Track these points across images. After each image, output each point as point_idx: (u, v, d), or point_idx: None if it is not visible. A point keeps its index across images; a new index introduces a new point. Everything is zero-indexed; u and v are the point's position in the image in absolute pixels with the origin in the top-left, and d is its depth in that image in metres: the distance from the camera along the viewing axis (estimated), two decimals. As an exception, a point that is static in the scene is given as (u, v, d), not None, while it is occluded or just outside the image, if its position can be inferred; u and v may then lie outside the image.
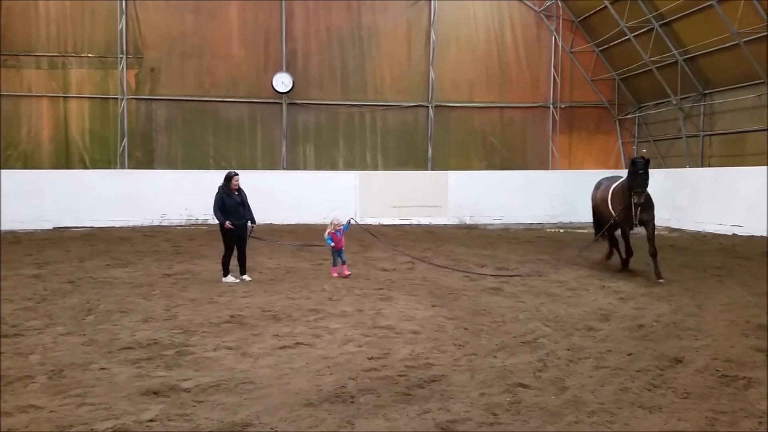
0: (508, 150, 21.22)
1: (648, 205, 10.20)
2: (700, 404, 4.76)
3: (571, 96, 21.49)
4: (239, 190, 10.10)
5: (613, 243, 11.47)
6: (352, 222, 10.83)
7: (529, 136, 21.46)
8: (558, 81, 21.26)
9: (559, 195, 20.16)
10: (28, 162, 18.80)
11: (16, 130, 18.84)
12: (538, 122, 21.45)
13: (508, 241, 15.81)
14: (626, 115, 21.59)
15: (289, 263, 11.81)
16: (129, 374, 5.52)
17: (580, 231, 18.31)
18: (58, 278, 10.24)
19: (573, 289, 9.33)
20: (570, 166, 21.44)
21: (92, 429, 4.32)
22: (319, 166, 20.52)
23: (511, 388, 5.12)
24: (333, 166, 20.54)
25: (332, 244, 10.33)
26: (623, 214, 10.41)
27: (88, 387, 5.20)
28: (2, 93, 18.63)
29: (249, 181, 10.07)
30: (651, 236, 10.20)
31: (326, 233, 10.42)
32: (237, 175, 10.15)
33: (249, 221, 10.10)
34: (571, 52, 21.29)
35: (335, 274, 10.37)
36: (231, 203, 9.92)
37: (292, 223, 18.30)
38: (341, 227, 10.45)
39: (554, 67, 21.26)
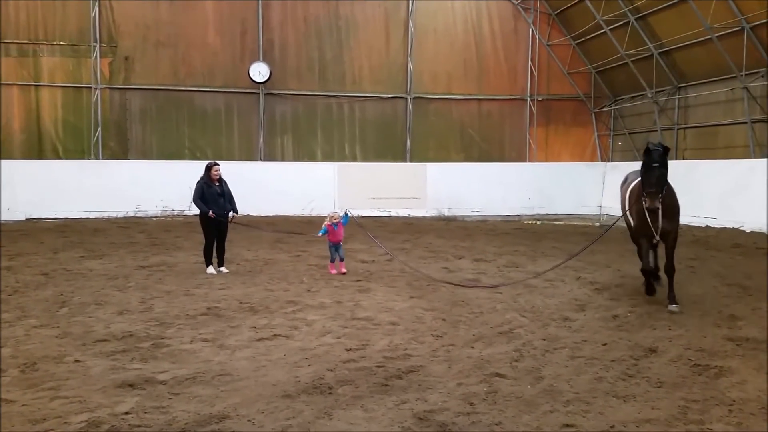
0: (485, 142, 21.32)
1: (672, 210, 7.58)
2: (673, 393, 4.85)
3: (548, 89, 21.64)
4: (221, 180, 9.96)
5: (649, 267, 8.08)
6: (349, 214, 10.50)
7: (507, 129, 21.58)
8: (535, 73, 21.39)
9: (536, 187, 20.34)
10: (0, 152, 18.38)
11: (-15, 119, 18.40)
12: (516, 114, 21.57)
13: (486, 232, 15.92)
14: (602, 108, 21.81)
15: (267, 255, 11.74)
16: (104, 367, 5.45)
17: (557, 222, 18.52)
18: (31, 270, 10.05)
19: (550, 280, 9.42)
20: (547, 159, 21.63)
21: (66, 422, 4.26)
22: (297, 157, 20.40)
23: (488, 378, 5.16)
24: (311, 158, 20.44)
25: (322, 234, 10.00)
26: (637, 222, 7.89)
27: (62, 380, 5.12)
28: (-29, 81, 18.18)
29: (226, 171, 9.92)
30: (670, 249, 7.73)
31: (323, 224, 10.16)
32: (217, 165, 10.01)
33: (230, 212, 9.98)
34: (548, 45, 21.42)
35: (333, 271, 9.89)
36: (211, 194, 9.81)
37: (270, 214, 18.19)
38: (339, 220, 10.09)
39: (531, 60, 21.37)
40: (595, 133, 22.06)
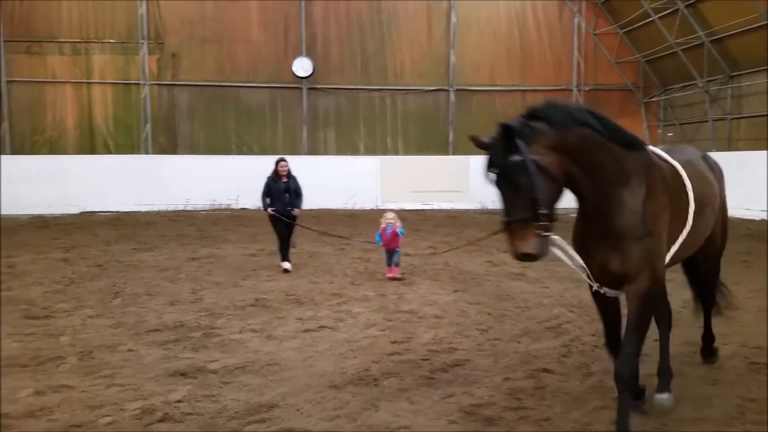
0: (529, 134, 21.00)
1: (630, 231, 3.78)
2: (729, 391, 4.71)
3: (595, 78, 21.16)
4: (288, 176, 9.77)
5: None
6: (403, 231, 9.34)
7: (552, 120, 21.21)
8: (581, 63, 20.94)
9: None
10: (54, 148, 19.07)
11: (41, 117, 19.10)
12: (561, 106, 21.17)
13: (530, 226, 15.68)
14: (651, 98, 21.21)
15: (311, 248, 11.86)
16: (156, 356, 5.62)
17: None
18: (86, 262, 10.41)
19: (597, 274, 9.24)
20: (593, 151, 21.16)
21: (122, 409, 4.41)
22: (340, 151, 20.51)
23: (536, 373, 5.11)
24: (354, 151, 20.52)
25: (380, 242, 9.22)
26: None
27: (117, 368, 5.30)
28: (28, 80, 18.87)
29: (270, 166, 9.94)
30: (636, 309, 3.88)
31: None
32: (284, 161, 9.85)
33: (294, 208, 9.75)
34: (594, 34, 20.93)
35: (389, 275, 9.07)
36: (276, 189, 9.67)
37: (314, 208, 18.32)
38: (394, 224, 9.12)
39: (577, 50, 20.93)
40: (645, 124, 21.47)
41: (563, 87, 21.04)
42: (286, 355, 5.66)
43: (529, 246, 3.39)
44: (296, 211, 9.86)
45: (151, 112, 19.43)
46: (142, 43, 19.18)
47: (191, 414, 4.31)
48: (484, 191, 19.71)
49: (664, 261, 4.00)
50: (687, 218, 4.09)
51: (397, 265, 9.13)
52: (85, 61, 19.15)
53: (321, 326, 6.60)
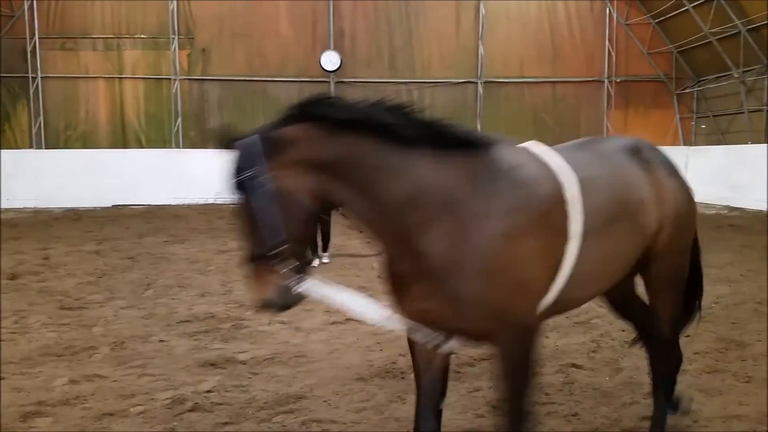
0: (560, 126, 20.71)
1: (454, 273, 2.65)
2: (763, 389, 4.60)
3: (626, 70, 20.78)
4: None
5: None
6: None
7: (583, 112, 20.89)
8: (613, 54, 20.58)
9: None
10: (87, 142, 19.47)
11: (74, 112, 19.50)
12: (592, 97, 20.86)
13: (559, 219, 15.51)
14: (684, 89, 20.75)
15: (338, 241, 11.88)
16: (187, 346, 5.71)
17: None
18: (118, 254, 10.62)
19: (627, 269, 9.11)
20: (624, 143, 20.81)
21: (153, 398, 4.50)
22: (367, 144, 20.52)
23: (564, 368, 5.06)
24: (381, 145, 20.51)
25: None
26: None
27: (149, 358, 5.40)
28: (61, 75, 19.28)
29: None
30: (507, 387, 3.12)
31: None
32: None
33: None
34: (626, 25, 20.55)
35: None
36: None
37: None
38: None
39: (609, 40, 20.57)
40: (677, 116, 21.04)
41: (594, 78, 20.73)
42: (313, 347, 5.71)
43: (267, 291, 2.54)
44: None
45: (182, 106, 19.69)
46: (173, 38, 19.42)
47: (221, 404, 4.38)
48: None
49: (534, 305, 2.82)
50: (564, 242, 2.81)
51: None
52: (117, 56, 19.49)
53: (347, 319, 6.63)
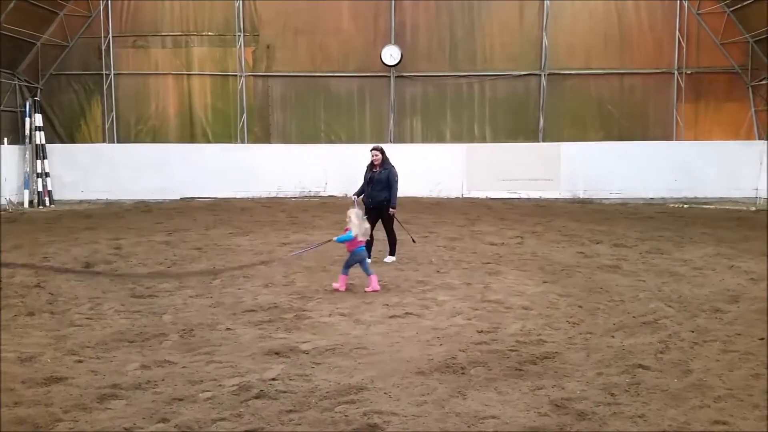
0: (627, 119, 20.03)
1: None
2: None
3: (698, 61, 19.86)
4: (383, 166, 9.26)
5: None
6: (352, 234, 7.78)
7: (651, 105, 20.11)
8: (683, 45, 19.71)
9: (683, 167, 18.86)
10: (157, 136, 20.19)
11: (145, 107, 20.26)
12: (661, 89, 20.05)
13: (626, 216, 15.06)
14: (760, 80, 19.65)
15: (396, 235, 11.94)
16: (252, 335, 5.88)
17: (706, 206, 17.14)
18: (186, 245, 11.01)
19: (699, 268, 8.77)
20: (696, 137, 19.92)
21: (220, 385, 4.65)
22: (426, 138, 20.44)
23: (631, 368, 4.93)
24: (440, 139, 20.40)
25: (346, 239, 7.75)
26: None
27: (216, 346, 5.60)
28: (133, 72, 20.07)
29: (357, 154, 9.96)
30: None
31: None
32: (373, 149, 9.41)
33: (384, 201, 9.22)
34: (698, 14, 19.64)
35: (342, 287, 7.70)
36: (365, 178, 9.42)
37: (399, 195, 18.42)
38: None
39: (679, 30, 19.70)
40: (752, 109, 19.97)
41: (663, 70, 19.92)
42: (373, 339, 5.77)
43: None
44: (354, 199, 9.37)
45: (247, 102, 20.15)
46: (239, 35, 19.89)
47: (285, 392, 4.49)
48: (575, 180, 19.24)
49: None
50: None
51: (369, 273, 7.78)
52: (185, 53, 20.11)
53: (407, 313, 6.67)
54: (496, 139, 20.17)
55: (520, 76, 20.05)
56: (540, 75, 19.91)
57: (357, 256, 7.72)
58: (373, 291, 7.60)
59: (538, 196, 19.13)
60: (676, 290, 7.50)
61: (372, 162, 9.46)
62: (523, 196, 19.25)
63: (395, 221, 9.59)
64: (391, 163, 9.39)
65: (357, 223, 7.66)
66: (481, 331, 5.95)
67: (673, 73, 19.80)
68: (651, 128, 20.08)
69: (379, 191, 9.26)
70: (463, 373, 4.85)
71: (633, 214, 15.56)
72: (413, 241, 10.10)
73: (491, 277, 8.33)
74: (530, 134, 20.14)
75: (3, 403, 4.30)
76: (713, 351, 5.37)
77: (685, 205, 17.49)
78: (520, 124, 20.19)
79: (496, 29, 20.02)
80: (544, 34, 19.79)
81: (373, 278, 7.71)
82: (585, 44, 19.87)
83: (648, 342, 5.60)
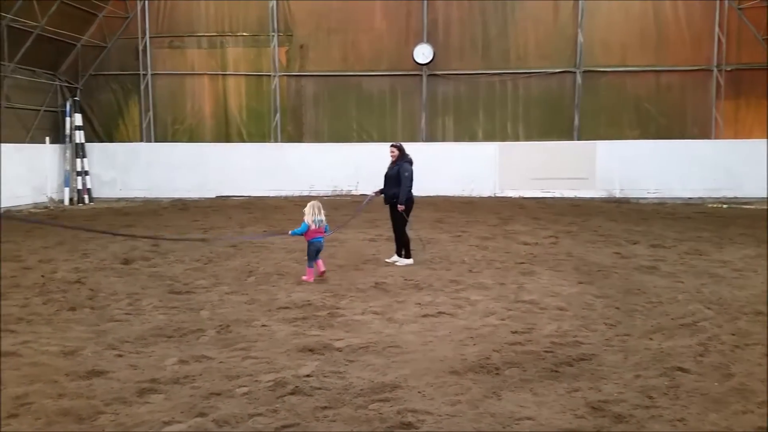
0: (664, 117, 19.63)
1: None
2: None
3: (738, 57, 19.33)
4: (397, 162, 9.13)
5: None
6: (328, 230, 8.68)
7: (689, 102, 19.67)
8: (723, 41, 19.22)
9: (722, 167, 18.41)
10: (193, 135, 20.53)
11: (181, 107, 20.61)
12: (700, 87, 19.59)
13: (663, 216, 14.77)
14: (806, 76, 19.06)
15: (428, 234, 11.92)
16: (287, 332, 5.94)
17: (747, 207, 16.68)
18: (222, 242, 11.16)
19: (739, 269, 8.55)
20: (736, 135, 19.41)
21: (256, 380, 4.71)
22: (458, 137, 20.34)
23: (669, 371, 4.83)
24: (472, 138, 20.28)
25: (301, 232, 8.27)
26: None
27: (252, 342, 5.67)
28: (169, 72, 20.43)
29: (388, 153, 9.66)
30: None
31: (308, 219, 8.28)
32: (391, 146, 9.35)
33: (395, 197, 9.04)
34: (739, 9, 19.12)
35: (310, 278, 8.14)
36: (385, 175, 9.34)
37: (431, 194, 18.39)
38: (324, 227, 8.41)
39: (719, 26, 19.21)
40: (797, 107, 19.37)
41: (702, 67, 19.45)
42: (406, 338, 5.77)
43: None
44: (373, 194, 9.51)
45: (280, 102, 20.34)
46: (273, 35, 20.08)
47: (320, 388, 4.52)
48: (610, 179, 18.93)
49: None
50: None
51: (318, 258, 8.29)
52: (220, 54, 20.39)
53: (440, 312, 6.66)
54: (529, 137, 19.97)
55: (555, 73, 19.80)
56: (575, 72, 19.65)
57: (314, 246, 8.19)
58: (320, 274, 8.21)
59: (572, 195, 18.88)
60: (716, 292, 7.32)
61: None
62: (558, 195, 19.03)
63: (407, 221, 9.31)
64: (407, 160, 9.20)
65: (308, 214, 8.23)
66: (516, 332, 5.90)
67: (712, 70, 19.33)
68: (689, 126, 19.64)
69: (390, 187, 9.18)
70: (497, 374, 4.82)
71: (671, 214, 15.25)
72: (423, 243, 9.93)
73: (525, 277, 8.25)
74: (565, 132, 19.89)
75: (47, 395, 4.43)
76: (755, 355, 5.23)
77: (725, 205, 17.06)
78: (554, 122, 19.95)
79: (530, 26, 19.81)
80: (579, 31, 19.51)
81: (319, 262, 8.30)
82: (621, 41, 19.53)
83: (687, 344, 5.48)
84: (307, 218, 8.22)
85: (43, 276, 8.42)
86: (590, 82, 19.68)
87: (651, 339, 5.66)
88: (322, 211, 8.35)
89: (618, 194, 18.86)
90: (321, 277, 8.22)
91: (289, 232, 8.63)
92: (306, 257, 8.37)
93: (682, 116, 19.65)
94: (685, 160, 18.60)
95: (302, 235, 8.28)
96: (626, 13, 19.48)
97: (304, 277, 8.17)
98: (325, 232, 8.42)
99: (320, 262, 8.31)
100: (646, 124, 19.68)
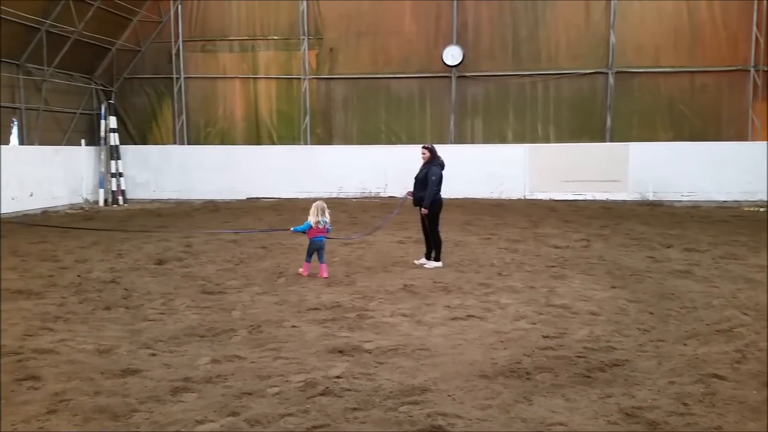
0: (699, 119, 19.23)
1: None
2: None
3: (776, 58, 18.86)
4: (427, 164, 9.12)
5: None
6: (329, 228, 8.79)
7: (725, 103, 19.23)
8: (761, 41, 18.75)
9: (758, 169, 17.95)
10: (225, 138, 20.82)
11: (213, 110, 20.92)
12: (736, 87, 19.14)
13: (698, 219, 14.46)
14: None
15: (456, 237, 11.88)
16: (317, 333, 5.98)
17: (785, 210, 16.24)
18: (253, 243, 11.29)
19: (777, 275, 8.33)
20: (774, 137, 18.94)
21: (287, 381, 4.75)
22: (487, 139, 20.23)
23: (705, 378, 4.73)
24: (501, 139, 20.14)
25: (302, 230, 8.63)
26: None
27: (282, 342, 5.72)
28: (202, 75, 20.75)
29: (417, 155, 9.72)
30: None
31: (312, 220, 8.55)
32: (423, 147, 9.32)
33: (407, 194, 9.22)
34: (779, 7, 18.64)
35: (306, 273, 8.54)
36: (415, 176, 9.33)
37: (459, 197, 18.32)
38: (327, 226, 8.66)
39: (756, 26, 18.75)
40: (839, 108, 18.80)
41: (738, 67, 19.00)
42: (435, 341, 5.75)
43: None
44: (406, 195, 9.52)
45: (310, 104, 20.49)
46: (303, 39, 20.24)
47: (349, 390, 4.54)
48: (643, 181, 18.62)
49: None
50: None
51: (323, 262, 8.55)
52: (251, 57, 20.63)
53: (469, 315, 6.62)
54: (560, 139, 19.76)
55: (586, 74, 19.57)
56: (607, 73, 19.38)
57: (315, 245, 8.54)
58: (323, 278, 8.39)
59: (604, 198, 18.63)
60: (752, 297, 7.15)
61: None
62: (589, 197, 18.79)
63: (436, 224, 9.26)
64: (438, 162, 9.17)
65: (312, 214, 8.55)
66: (547, 336, 5.84)
67: (749, 70, 18.87)
68: (724, 128, 19.20)
69: (418, 190, 9.18)
70: (528, 379, 4.78)
71: (705, 217, 14.92)
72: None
73: (556, 281, 8.16)
74: (596, 134, 19.63)
75: (84, 392, 4.53)
76: (795, 363, 5.08)
77: (761, 209, 16.63)
78: (585, 124, 19.71)
79: (561, 27, 19.61)
80: (611, 31, 19.25)
81: (323, 266, 8.54)
82: (654, 41, 19.21)
83: (723, 351, 5.36)
84: (311, 218, 8.54)
85: (79, 276, 8.62)
86: (623, 82, 19.39)
87: (686, 345, 5.55)
88: (327, 212, 8.64)
89: (651, 197, 18.54)
90: (323, 278, 8.42)
91: (291, 228, 9.09)
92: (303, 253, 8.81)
93: (717, 117, 19.23)
94: (720, 162, 18.19)
95: (304, 232, 8.65)
96: (659, 13, 19.16)
97: (300, 270, 8.63)
98: (326, 232, 8.69)
99: (324, 266, 8.56)
100: (680, 126, 19.30)
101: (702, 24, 19.02)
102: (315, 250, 8.55)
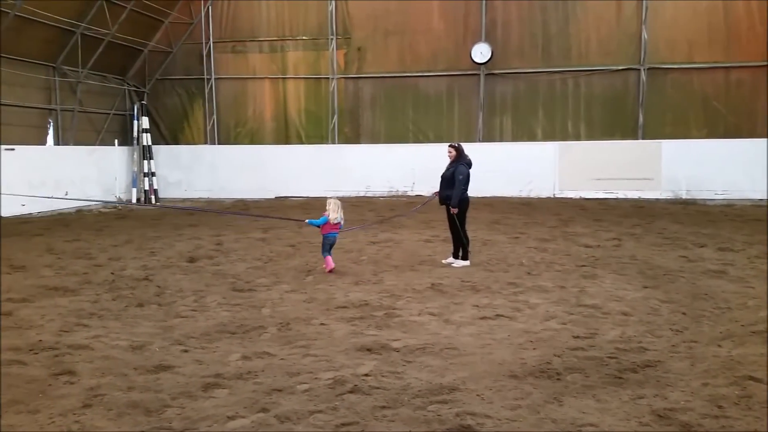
0: (734, 116, 18.77)
1: None
2: None
3: (815, 52, 18.30)
4: (454, 163, 9.05)
5: None
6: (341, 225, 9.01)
7: (761, 101, 18.69)
8: (801, 35, 18.21)
9: (795, 167, 17.49)
10: (254, 138, 21.05)
11: (243, 110, 21.16)
12: (773, 83, 18.64)
13: (732, 218, 14.14)
14: None
15: (485, 236, 11.81)
16: (345, 331, 6.01)
17: (825, 209, 15.77)
18: (281, 242, 11.40)
19: (816, 275, 8.10)
20: (812, 134, 18.38)
21: (316, 378, 4.78)
22: (516, 137, 20.06)
23: (740, 380, 4.62)
24: (531, 137, 19.96)
25: (317, 224, 8.79)
26: None
27: (311, 339, 5.77)
28: (232, 76, 21.01)
29: (445, 153, 9.65)
30: None
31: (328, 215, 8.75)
32: (449, 145, 9.29)
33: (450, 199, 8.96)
34: (819, 0, 18.09)
35: (329, 268, 8.70)
36: (441, 175, 9.27)
37: (487, 195, 18.20)
38: (340, 223, 8.89)
39: (795, 20, 18.23)
40: None
41: (776, 62, 18.50)
42: (464, 340, 5.73)
43: None
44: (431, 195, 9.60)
45: (338, 104, 20.58)
46: (331, 38, 20.34)
47: (378, 388, 4.55)
48: (676, 179, 18.27)
49: None
50: None
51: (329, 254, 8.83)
52: (281, 57, 20.81)
53: (498, 314, 6.58)
54: (590, 136, 19.50)
55: (618, 71, 19.26)
56: (639, 69, 19.05)
57: (328, 240, 8.76)
58: (329, 271, 8.61)
59: (636, 197, 18.34)
60: (791, 298, 6.97)
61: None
62: (620, 196, 18.51)
63: (464, 223, 9.17)
64: (465, 161, 9.07)
65: (332, 209, 8.72)
66: (578, 337, 5.78)
67: (787, 66, 18.35)
68: (760, 125, 18.69)
69: (444, 188, 9.10)
70: (558, 379, 4.73)
71: (739, 216, 14.57)
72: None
73: (587, 281, 8.06)
74: (628, 131, 19.32)
75: (117, 387, 4.63)
76: (836, 367, 4.94)
77: (800, 207, 16.17)
78: (617, 121, 19.41)
79: (592, 23, 19.34)
80: (643, 27, 18.91)
81: (328, 258, 8.75)
82: (687, 37, 18.82)
83: (759, 353, 5.23)
84: (331, 214, 8.70)
85: (112, 273, 8.81)
86: (655, 79, 19.04)
87: (720, 346, 5.44)
88: (341, 210, 8.86)
89: (684, 195, 18.18)
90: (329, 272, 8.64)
91: (306, 221, 9.25)
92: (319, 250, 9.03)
93: (752, 114, 18.73)
94: (756, 160, 17.74)
95: (319, 227, 8.80)
96: (693, 9, 18.75)
97: (325, 268, 8.71)
98: (339, 228, 8.90)
99: (329, 258, 8.76)
100: (714, 123, 18.87)
101: (737, 20, 18.56)
102: (329, 245, 8.77)
